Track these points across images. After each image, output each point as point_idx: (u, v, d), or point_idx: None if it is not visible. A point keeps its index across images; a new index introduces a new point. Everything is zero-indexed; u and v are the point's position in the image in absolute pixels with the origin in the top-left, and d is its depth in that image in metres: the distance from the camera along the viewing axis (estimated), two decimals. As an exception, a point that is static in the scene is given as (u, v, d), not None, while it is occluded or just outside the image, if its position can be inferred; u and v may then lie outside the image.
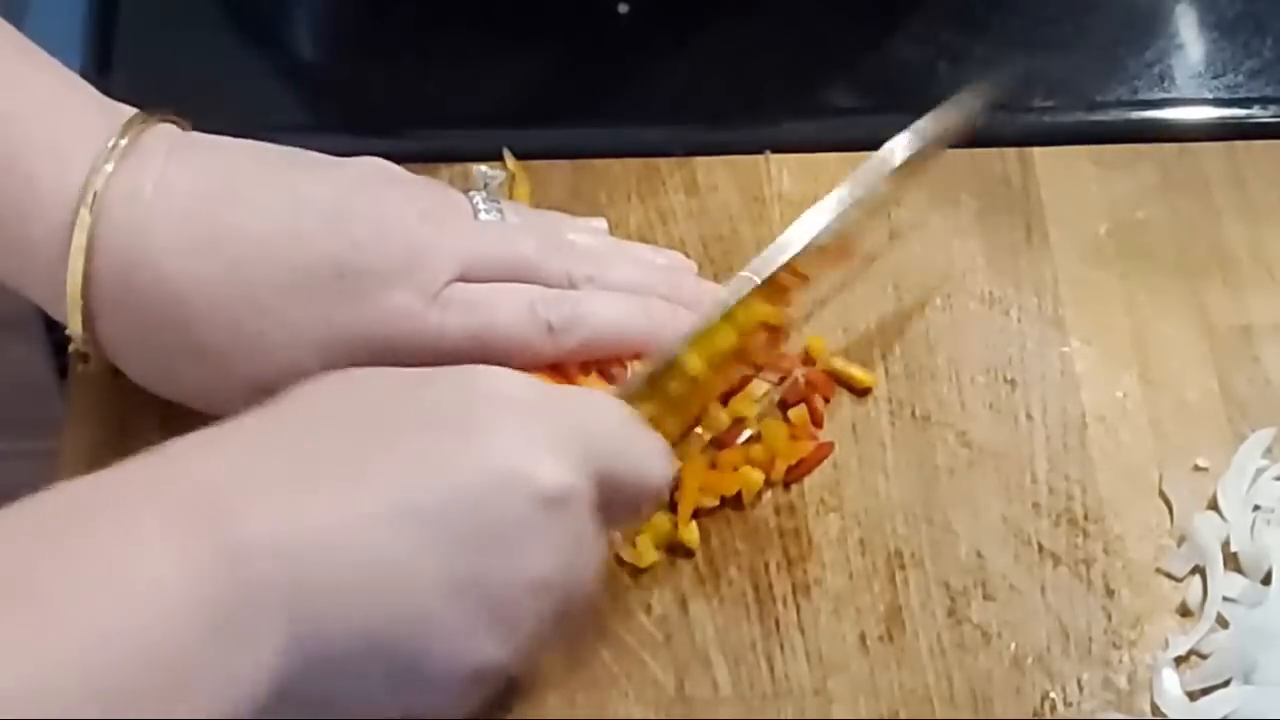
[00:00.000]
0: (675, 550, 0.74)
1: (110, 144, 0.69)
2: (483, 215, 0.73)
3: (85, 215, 0.68)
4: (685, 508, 0.73)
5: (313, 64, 0.90)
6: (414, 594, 0.59)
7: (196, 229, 0.69)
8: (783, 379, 0.77)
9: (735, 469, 0.74)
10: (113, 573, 0.56)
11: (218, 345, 0.69)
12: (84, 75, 0.76)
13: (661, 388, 0.71)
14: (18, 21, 0.84)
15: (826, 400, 0.77)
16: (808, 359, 0.78)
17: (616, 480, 0.65)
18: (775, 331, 0.76)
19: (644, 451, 0.67)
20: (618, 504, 0.65)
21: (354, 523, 0.59)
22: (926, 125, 0.77)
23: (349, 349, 0.69)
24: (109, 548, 0.56)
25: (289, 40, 0.90)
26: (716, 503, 0.74)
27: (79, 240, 0.68)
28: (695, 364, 0.72)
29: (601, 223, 0.79)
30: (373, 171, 0.72)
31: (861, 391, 0.77)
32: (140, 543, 0.57)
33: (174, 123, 0.72)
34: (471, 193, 0.74)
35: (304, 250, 0.69)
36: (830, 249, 0.75)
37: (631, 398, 0.69)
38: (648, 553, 0.73)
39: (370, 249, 0.69)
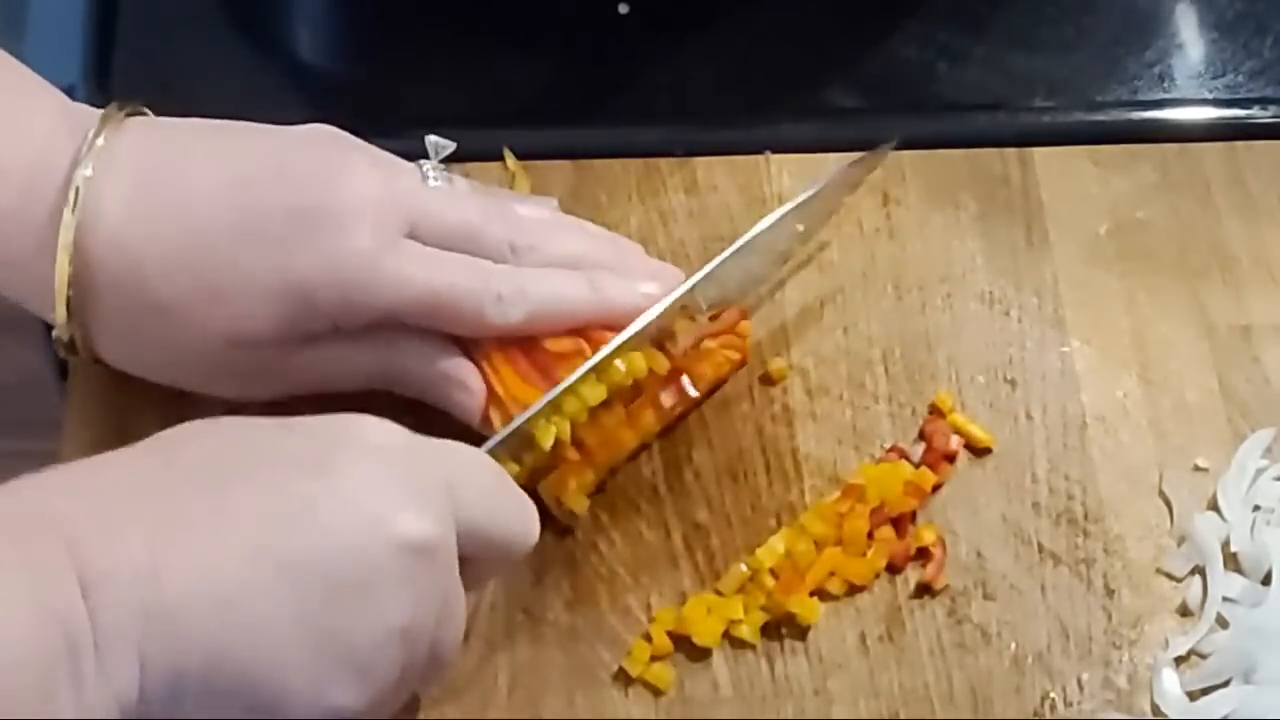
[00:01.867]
0: (675, 550, 0.74)
1: (88, 142, 0.69)
2: (431, 182, 0.74)
3: (69, 218, 0.68)
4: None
5: (312, 64, 0.90)
6: (269, 634, 0.58)
7: (146, 190, 0.69)
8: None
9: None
10: None
11: (177, 301, 0.70)
12: (84, 76, 0.76)
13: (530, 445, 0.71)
14: (18, 23, 0.84)
15: (950, 460, 0.76)
16: (936, 411, 0.77)
17: (482, 537, 0.64)
18: (666, 376, 0.75)
19: (511, 511, 0.66)
20: (482, 562, 0.65)
21: (212, 561, 0.58)
22: (834, 173, 0.78)
23: (304, 299, 0.70)
24: None
25: (289, 40, 0.90)
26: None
27: (65, 239, 0.69)
28: (562, 429, 0.71)
29: (552, 201, 0.80)
30: (322, 131, 0.73)
31: (980, 451, 0.77)
32: None
33: (141, 113, 0.72)
34: (421, 161, 0.75)
35: (255, 197, 0.70)
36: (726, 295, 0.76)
37: (500, 454, 0.69)
38: (579, 502, 0.73)
39: (322, 194, 0.70)
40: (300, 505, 0.60)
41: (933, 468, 0.75)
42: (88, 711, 0.56)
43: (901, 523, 0.74)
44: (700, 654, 0.72)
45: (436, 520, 0.62)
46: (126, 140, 0.70)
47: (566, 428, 0.71)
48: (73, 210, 0.68)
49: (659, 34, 0.89)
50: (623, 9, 0.89)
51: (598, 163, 0.84)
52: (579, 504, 0.73)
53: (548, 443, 0.71)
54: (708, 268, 0.75)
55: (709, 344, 0.77)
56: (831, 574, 0.73)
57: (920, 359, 0.79)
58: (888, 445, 0.77)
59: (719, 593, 0.73)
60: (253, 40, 0.88)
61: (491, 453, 0.69)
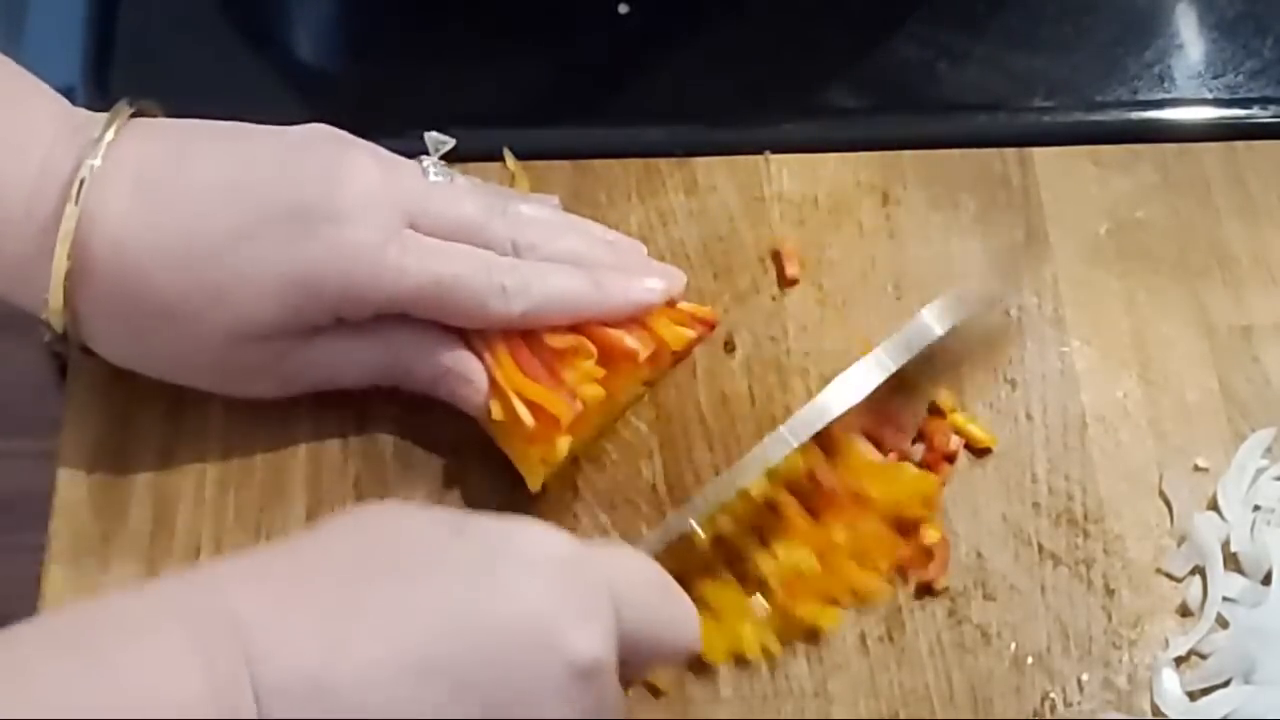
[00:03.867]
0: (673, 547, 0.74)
1: (98, 136, 0.69)
2: (431, 178, 0.74)
3: (71, 209, 0.68)
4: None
5: (313, 64, 0.90)
6: None
7: (148, 189, 0.69)
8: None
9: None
10: (143, 692, 0.55)
11: (179, 299, 0.70)
12: (84, 77, 0.76)
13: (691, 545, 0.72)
14: (18, 22, 0.84)
15: (950, 460, 0.76)
16: (935, 411, 0.77)
17: (642, 641, 0.63)
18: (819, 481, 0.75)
19: (673, 615, 0.66)
20: (638, 662, 0.64)
21: (382, 671, 0.58)
22: (965, 296, 0.78)
23: (308, 292, 0.70)
24: (142, 666, 0.56)
25: (289, 40, 0.90)
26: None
27: (66, 227, 0.69)
28: (724, 525, 0.72)
29: (553, 199, 0.80)
30: (322, 130, 0.73)
31: (980, 451, 0.77)
32: (172, 665, 0.56)
33: (147, 114, 0.73)
34: (422, 157, 0.75)
35: (255, 197, 0.70)
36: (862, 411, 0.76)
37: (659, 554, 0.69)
38: (537, 476, 0.74)
39: (322, 191, 0.70)
40: (470, 618, 0.59)
41: (933, 468, 0.75)
42: None
43: (909, 529, 0.74)
44: (704, 665, 0.72)
45: (603, 637, 0.61)
46: (133, 138, 0.70)
47: (729, 523, 0.73)
48: (75, 202, 0.68)
49: (659, 34, 0.89)
50: (623, 9, 0.89)
51: (598, 163, 0.84)
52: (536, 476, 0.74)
53: (726, 528, 0.72)
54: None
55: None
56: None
57: (920, 359, 0.79)
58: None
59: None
60: (253, 40, 0.88)
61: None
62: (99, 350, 0.73)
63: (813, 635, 0.72)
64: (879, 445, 0.75)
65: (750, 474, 0.72)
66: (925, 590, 0.73)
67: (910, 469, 0.75)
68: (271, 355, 0.72)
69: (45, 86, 0.73)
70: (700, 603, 0.71)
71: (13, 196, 0.69)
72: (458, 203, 0.73)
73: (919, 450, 0.76)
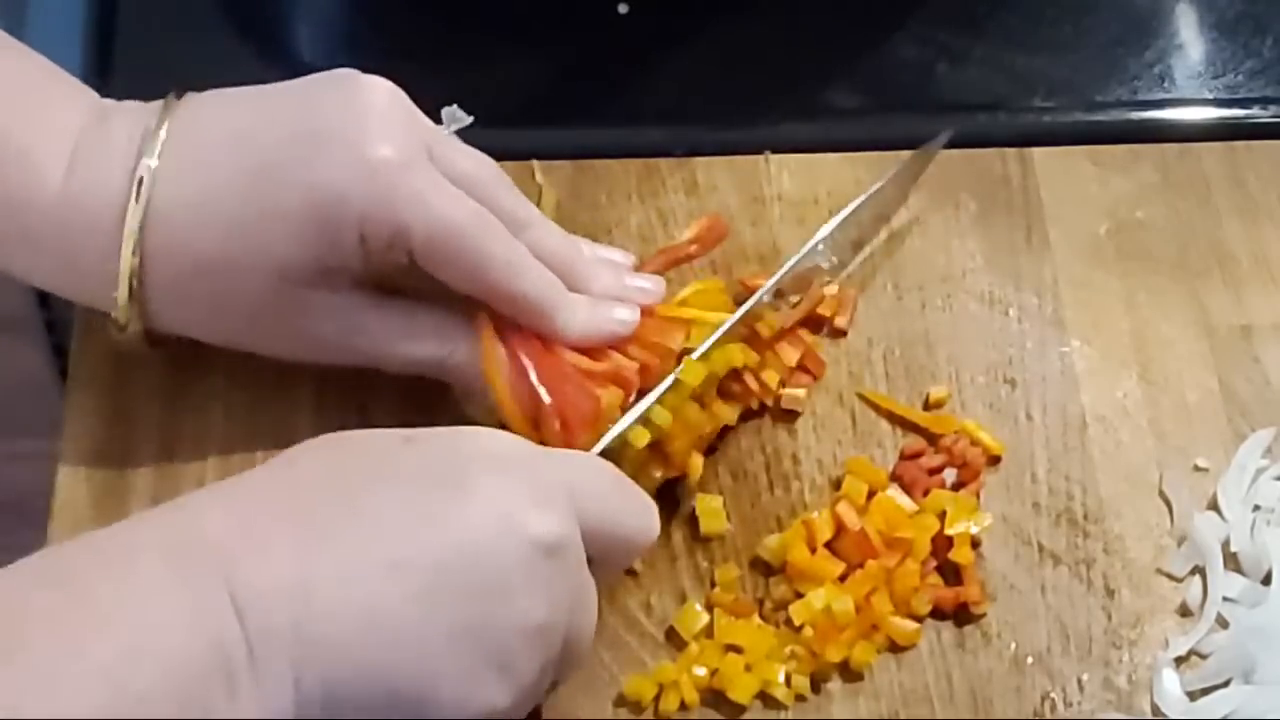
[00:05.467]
0: (675, 550, 0.74)
1: (150, 132, 0.71)
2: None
3: (135, 207, 0.70)
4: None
5: (313, 64, 0.89)
6: (416, 642, 0.60)
7: (180, 161, 0.70)
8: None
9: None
10: (127, 619, 0.57)
11: (219, 253, 0.70)
12: (84, 75, 0.76)
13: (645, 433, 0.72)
14: (18, 22, 0.84)
15: (977, 474, 0.76)
16: (935, 405, 0.78)
17: (606, 536, 0.66)
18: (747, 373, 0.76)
19: (631, 509, 0.68)
20: (606, 561, 0.67)
21: (355, 573, 0.60)
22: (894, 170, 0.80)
23: (333, 212, 0.70)
24: (123, 595, 0.58)
25: (289, 40, 0.90)
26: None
27: (131, 225, 0.70)
28: (663, 417, 0.72)
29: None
30: (340, 71, 0.73)
31: (992, 459, 0.76)
32: (152, 591, 0.58)
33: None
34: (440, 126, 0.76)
35: (277, 131, 0.71)
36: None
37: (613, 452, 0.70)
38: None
39: (342, 113, 0.71)
40: (434, 513, 0.62)
41: (966, 483, 0.75)
42: None
43: (951, 570, 0.74)
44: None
45: (563, 519, 0.63)
46: (178, 125, 0.71)
47: (668, 417, 0.72)
48: (137, 199, 0.70)
49: (659, 34, 0.89)
50: (623, 9, 0.89)
51: (598, 163, 0.84)
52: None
53: (642, 443, 0.72)
54: (782, 270, 0.76)
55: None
56: (874, 628, 0.72)
57: (920, 359, 0.79)
58: (886, 445, 0.77)
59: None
60: (253, 40, 0.88)
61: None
62: (162, 326, 0.73)
63: (846, 673, 0.72)
64: (907, 491, 0.75)
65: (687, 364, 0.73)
66: (963, 610, 0.73)
67: (947, 495, 0.74)
68: (313, 312, 0.72)
69: (66, 75, 0.74)
70: (729, 644, 0.71)
71: (47, 188, 0.70)
72: (475, 158, 0.74)
73: (951, 475, 0.76)
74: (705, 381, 0.73)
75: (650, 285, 0.77)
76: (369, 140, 0.70)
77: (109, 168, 0.70)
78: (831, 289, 0.79)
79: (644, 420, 0.72)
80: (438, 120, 0.77)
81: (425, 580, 0.61)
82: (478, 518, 0.62)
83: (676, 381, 0.73)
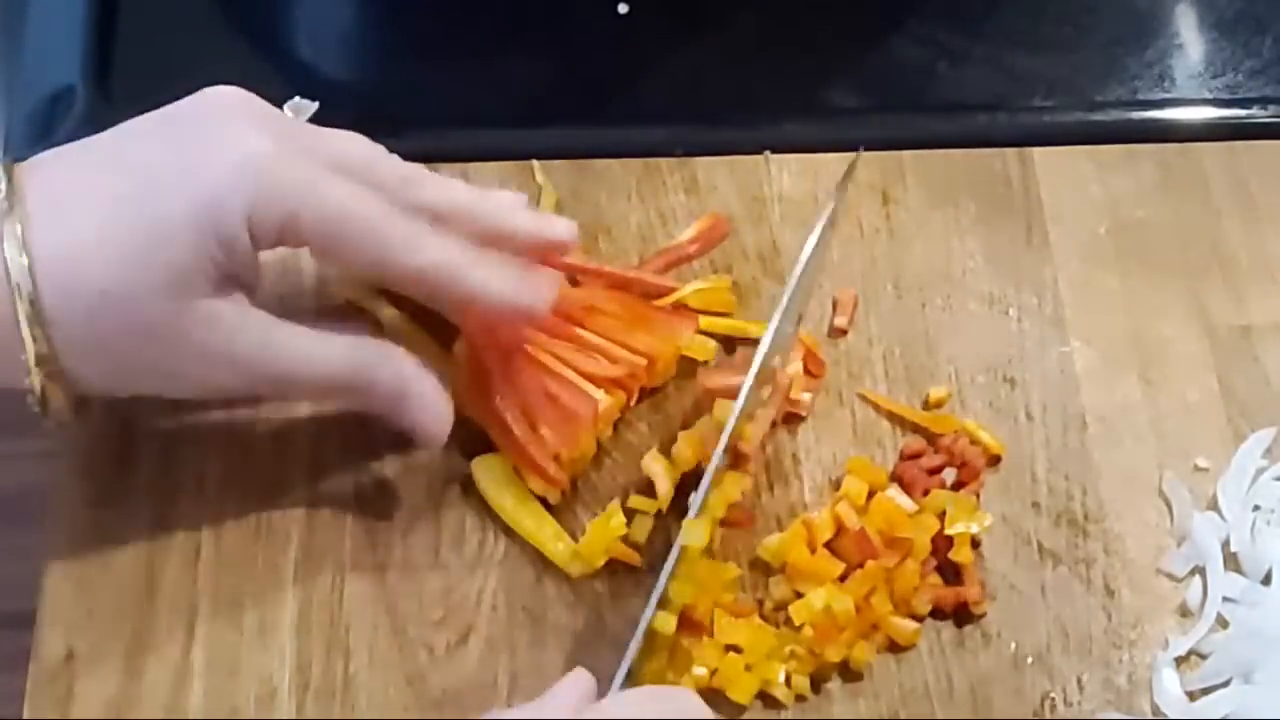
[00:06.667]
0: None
1: (5, 194, 0.69)
2: None
3: (15, 296, 0.68)
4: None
5: (312, 65, 0.90)
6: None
7: (54, 212, 0.69)
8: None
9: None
10: None
11: (117, 281, 0.68)
12: (84, 76, 0.76)
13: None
14: (18, 22, 0.84)
15: (977, 474, 0.76)
16: (935, 404, 0.78)
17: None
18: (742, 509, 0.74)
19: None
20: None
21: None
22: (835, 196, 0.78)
23: (219, 212, 0.68)
24: None
25: (289, 40, 0.90)
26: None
27: (24, 310, 0.68)
28: (683, 594, 0.71)
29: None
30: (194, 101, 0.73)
31: (992, 459, 0.76)
32: None
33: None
34: None
35: (141, 152, 0.70)
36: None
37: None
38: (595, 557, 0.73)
39: (207, 122, 0.70)
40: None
41: (966, 483, 0.75)
42: None
43: (951, 570, 0.74)
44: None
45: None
46: (29, 203, 0.69)
47: (688, 593, 0.71)
48: (20, 297, 0.68)
49: (659, 34, 0.89)
50: (623, 9, 0.89)
51: (598, 163, 0.84)
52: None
53: (670, 629, 0.70)
54: (749, 379, 0.73)
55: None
56: (874, 628, 0.72)
57: (920, 359, 0.79)
58: (886, 445, 0.77)
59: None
60: (253, 40, 0.88)
61: None
62: (83, 386, 0.71)
63: (846, 672, 0.72)
64: (907, 491, 0.75)
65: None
66: (963, 609, 0.73)
67: (947, 495, 0.74)
68: (221, 327, 0.70)
69: None
70: (729, 644, 0.71)
71: None
72: (346, 138, 0.73)
73: (950, 475, 0.76)
74: (711, 533, 0.71)
75: (564, 225, 0.75)
76: (240, 136, 0.69)
77: None
78: (793, 368, 0.77)
79: (663, 603, 0.70)
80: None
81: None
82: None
83: (684, 550, 0.71)
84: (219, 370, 0.71)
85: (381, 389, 0.72)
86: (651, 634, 0.70)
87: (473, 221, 0.73)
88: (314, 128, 0.74)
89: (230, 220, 0.69)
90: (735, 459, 0.73)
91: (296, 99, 0.80)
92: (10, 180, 0.69)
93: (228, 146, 0.69)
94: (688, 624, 0.71)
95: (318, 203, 0.69)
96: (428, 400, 0.73)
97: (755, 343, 0.78)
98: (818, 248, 0.76)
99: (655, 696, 0.67)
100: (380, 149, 0.73)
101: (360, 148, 0.73)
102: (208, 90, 0.71)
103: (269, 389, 0.74)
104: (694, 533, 0.70)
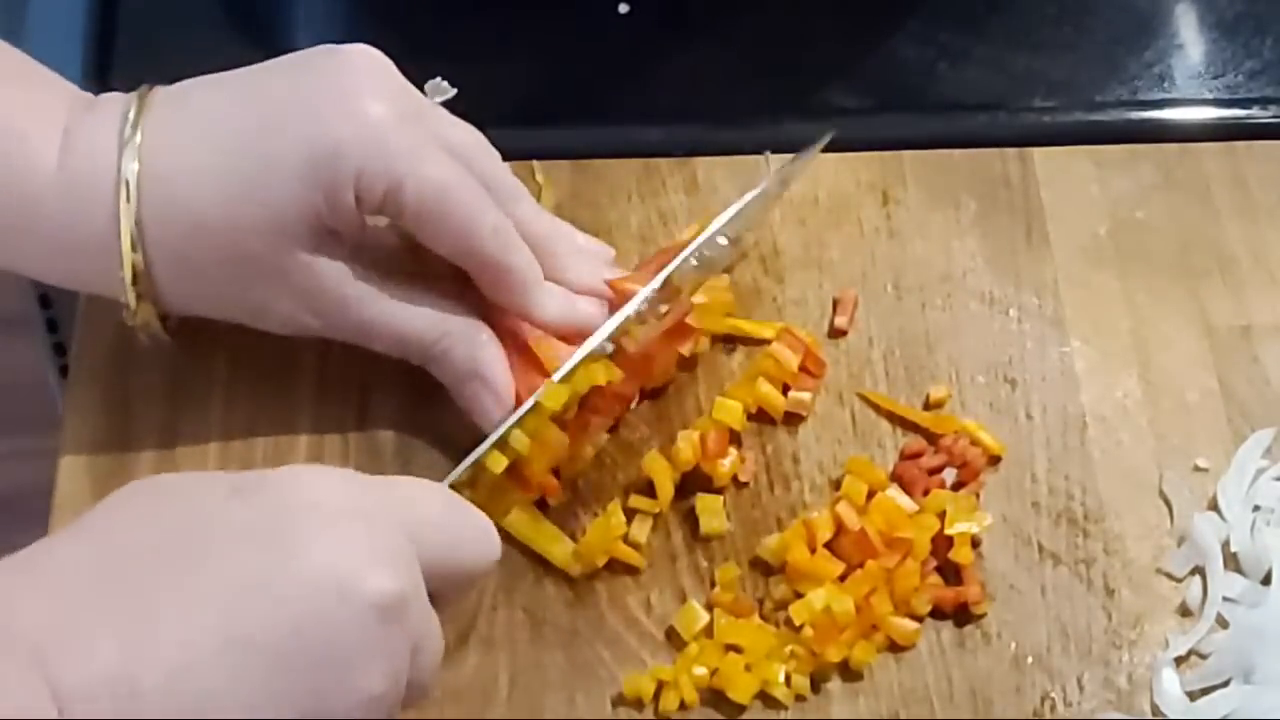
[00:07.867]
0: (675, 549, 0.74)
1: (126, 139, 0.70)
2: None
3: (126, 208, 0.70)
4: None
5: (313, 64, 0.90)
6: None
7: (172, 137, 0.71)
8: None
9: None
10: None
11: (218, 213, 0.70)
12: (84, 75, 0.76)
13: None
14: (18, 22, 0.84)
15: (977, 474, 0.76)
16: (935, 404, 0.78)
17: (447, 570, 0.63)
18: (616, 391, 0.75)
19: (470, 537, 0.64)
20: (446, 591, 0.64)
21: (184, 659, 0.56)
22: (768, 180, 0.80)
23: (330, 166, 0.70)
24: None
25: (289, 39, 0.90)
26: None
27: (126, 225, 0.70)
28: (521, 442, 0.72)
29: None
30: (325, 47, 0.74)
31: (992, 460, 0.76)
32: None
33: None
34: None
35: (270, 91, 0.71)
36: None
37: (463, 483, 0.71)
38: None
39: (337, 76, 0.71)
40: (265, 582, 0.58)
41: (966, 483, 0.75)
42: None
43: (951, 569, 0.74)
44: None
45: (403, 572, 0.60)
46: (153, 120, 0.71)
47: (526, 442, 0.72)
48: (128, 200, 0.70)
49: (659, 34, 0.89)
50: (623, 9, 0.89)
51: (598, 163, 0.84)
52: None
53: (499, 469, 0.72)
54: (654, 283, 0.76)
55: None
56: (874, 628, 0.72)
57: (920, 359, 0.79)
58: (886, 445, 0.77)
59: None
60: (253, 39, 0.88)
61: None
62: (170, 304, 0.73)
63: (846, 672, 0.72)
64: (907, 491, 0.75)
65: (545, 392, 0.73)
66: (963, 610, 0.73)
67: (947, 495, 0.74)
68: (314, 276, 0.72)
69: (46, 70, 0.74)
70: (729, 644, 0.71)
71: (44, 174, 0.70)
72: (465, 128, 0.75)
73: (950, 475, 0.76)
74: (568, 402, 0.73)
75: (634, 286, 0.76)
76: (365, 97, 0.71)
77: (103, 148, 0.70)
78: (699, 298, 0.77)
79: (501, 445, 0.72)
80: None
81: (256, 661, 0.57)
82: (311, 585, 0.58)
83: (536, 405, 0.73)
84: (304, 314, 0.73)
85: (453, 364, 0.75)
86: (480, 467, 0.72)
87: (543, 254, 0.75)
88: (437, 108, 0.75)
89: (339, 176, 0.70)
90: (622, 359, 0.74)
91: (437, 79, 0.80)
92: (142, 101, 0.71)
93: (351, 105, 0.71)
94: (517, 476, 0.73)
95: (423, 174, 0.71)
96: (493, 386, 0.74)
97: (756, 343, 0.78)
98: (758, 201, 0.79)
99: None
100: (495, 153, 0.76)
101: (477, 142, 0.75)
102: (346, 45, 0.73)
103: (349, 338, 0.75)
104: (551, 394, 0.72)
